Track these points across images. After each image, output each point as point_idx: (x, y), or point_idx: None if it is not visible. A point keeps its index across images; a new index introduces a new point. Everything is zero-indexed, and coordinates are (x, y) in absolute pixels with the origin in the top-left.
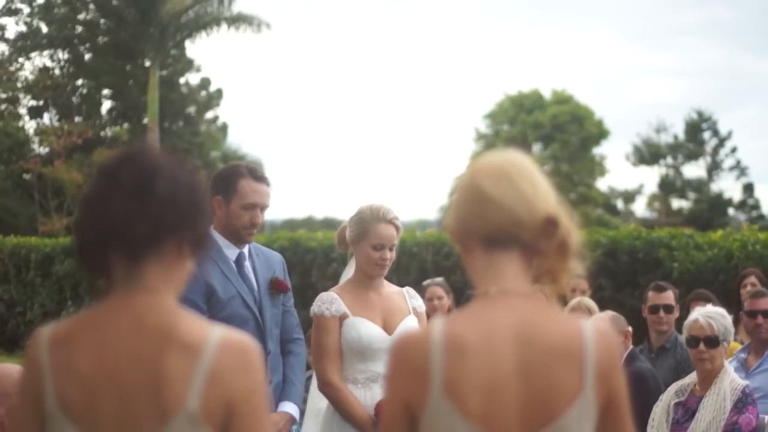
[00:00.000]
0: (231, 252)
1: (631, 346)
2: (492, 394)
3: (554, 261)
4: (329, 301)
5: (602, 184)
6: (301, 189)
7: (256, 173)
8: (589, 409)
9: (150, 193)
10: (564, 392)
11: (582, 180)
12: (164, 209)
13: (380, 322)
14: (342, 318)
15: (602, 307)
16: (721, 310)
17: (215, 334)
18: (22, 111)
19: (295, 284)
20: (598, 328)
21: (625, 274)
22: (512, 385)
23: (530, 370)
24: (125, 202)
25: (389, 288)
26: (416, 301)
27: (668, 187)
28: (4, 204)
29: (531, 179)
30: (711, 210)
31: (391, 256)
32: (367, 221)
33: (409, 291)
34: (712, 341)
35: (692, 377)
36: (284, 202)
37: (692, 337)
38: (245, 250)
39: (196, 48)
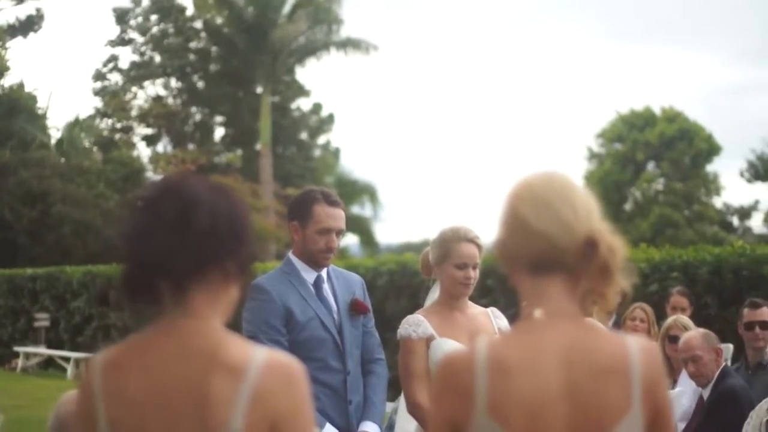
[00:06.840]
0: (309, 275)
1: (724, 363)
2: (537, 413)
3: (597, 282)
4: (416, 324)
5: (717, 201)
6: (416, 212)
7: (330, 198)
8: (637, 425)
9: (190, 225)
10: (612, 410)
11: (696, 197)
12: (205, 241)
13: (466, 342)
14: (429, 340)
15: (707, 325)
16: None
17: (259, 355)
18: (136, 139)
19: (404, 306)
20: (642, 344)
21: (730, 291)
22: (558, 404)
23: (577, 389)
24: (167, 236)
25: (474, 308)
26: (501, 321)
27: None
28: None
29: (570, 201)
30: None
31: (474, 274)
32: (449, 241)
33: (494, 311)
34: None
35: None
36: (399, 226)
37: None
38: (323, 272)
39: (306, 73)
